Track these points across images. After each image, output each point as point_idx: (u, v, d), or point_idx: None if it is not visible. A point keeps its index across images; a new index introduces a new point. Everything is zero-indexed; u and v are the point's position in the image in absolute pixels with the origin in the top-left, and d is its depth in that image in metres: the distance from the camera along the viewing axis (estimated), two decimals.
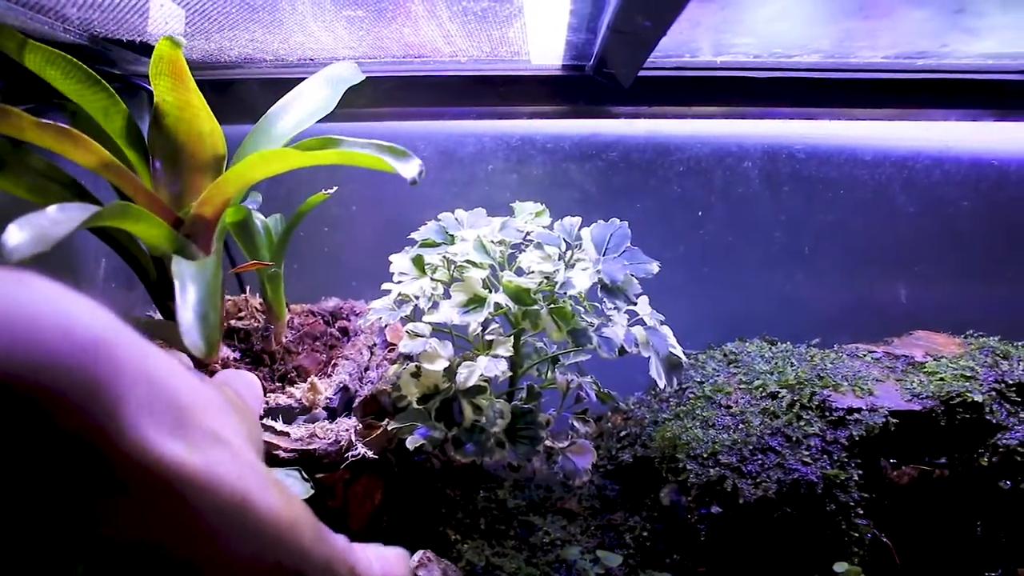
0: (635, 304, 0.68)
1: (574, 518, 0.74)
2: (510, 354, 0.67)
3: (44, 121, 0.57)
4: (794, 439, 0.71)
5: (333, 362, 0.79)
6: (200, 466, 0.33)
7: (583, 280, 0.65)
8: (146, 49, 0.87)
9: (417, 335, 0.67)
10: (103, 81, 0.67)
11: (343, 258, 1.06)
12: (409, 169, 0.59)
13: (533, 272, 0.67)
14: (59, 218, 0.44)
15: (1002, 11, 0.74)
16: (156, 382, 0.33)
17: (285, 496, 0.39)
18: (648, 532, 0.73)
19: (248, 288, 0.91)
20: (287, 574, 0.37)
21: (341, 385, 0.73)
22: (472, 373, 0.65)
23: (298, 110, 0.75)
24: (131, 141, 0.70)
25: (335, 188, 0.78)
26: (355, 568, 0.44)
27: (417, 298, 0.68)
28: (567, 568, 0.67)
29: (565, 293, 0.65)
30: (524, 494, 0.76)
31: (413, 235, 0.73)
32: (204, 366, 0.72)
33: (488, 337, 0.68)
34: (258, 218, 0.81)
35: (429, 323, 0.67)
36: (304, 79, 0.79)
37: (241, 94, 0.93)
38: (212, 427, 0.36)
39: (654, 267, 0.68)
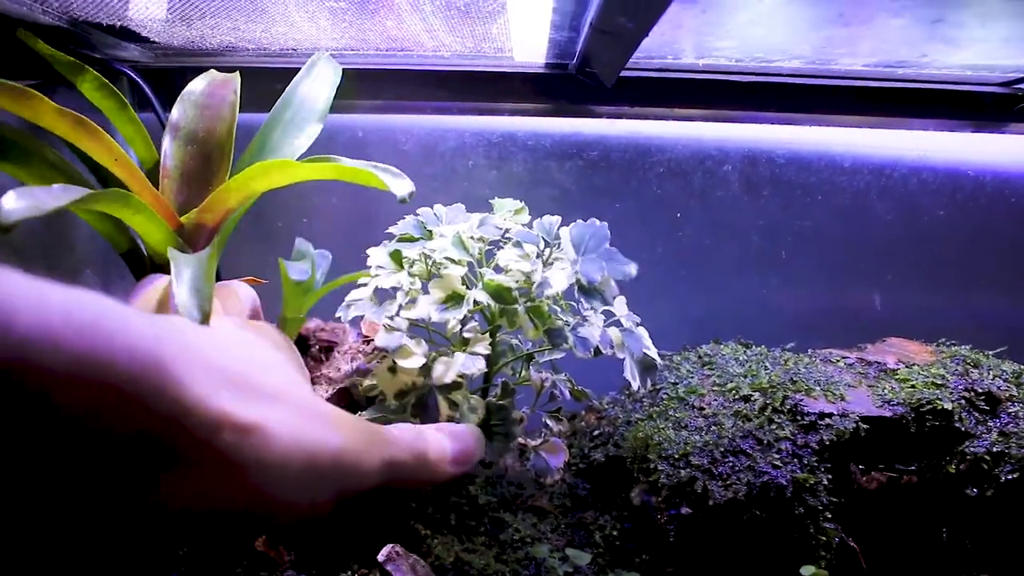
0: (612, 305, 0.68)
1: (545, 516, 0.74)
2: (488, 351, 0.67)
3: (63, 108, 0.57)
4: (765, 442, 0.71)
5: (313, 379, 0.81)
6: (261, 424, 0.36)
7: (561, 280, 0.65)
8: (127, 33, 0.86)
9: (394, 329, 0.67)
10: (118, 92, 0.70)
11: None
12: (401, 187, 0.62)
13: (511, 270, 0.66)
14: (56, 193, 0.47)
15: (980, 23, 0.74)
16: (212, 361, 0.36)
17: (345, 427, 0.42)
18: (618, 531, 0.73)
19: None
20: (348, 496, 0.41)
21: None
22: (449, 369, 0.65)
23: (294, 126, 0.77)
24: (142, 148, 0.73)
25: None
26: (426, 455, 0.47)
27: (395, 291, 0.68)
28: (536, 565, 0.67)
29: (543, 292, 0.65)
30: (495, 491, 0.76)
31: (391, 229, 0.73)
32: None
33: (466, 334, 0.68)
34: None
35: (407, 318, 0.67)
36: (286, 69, 0.78)
37: None
38: (267, 386, 0.39)
39: (632, 269, 0.68)
